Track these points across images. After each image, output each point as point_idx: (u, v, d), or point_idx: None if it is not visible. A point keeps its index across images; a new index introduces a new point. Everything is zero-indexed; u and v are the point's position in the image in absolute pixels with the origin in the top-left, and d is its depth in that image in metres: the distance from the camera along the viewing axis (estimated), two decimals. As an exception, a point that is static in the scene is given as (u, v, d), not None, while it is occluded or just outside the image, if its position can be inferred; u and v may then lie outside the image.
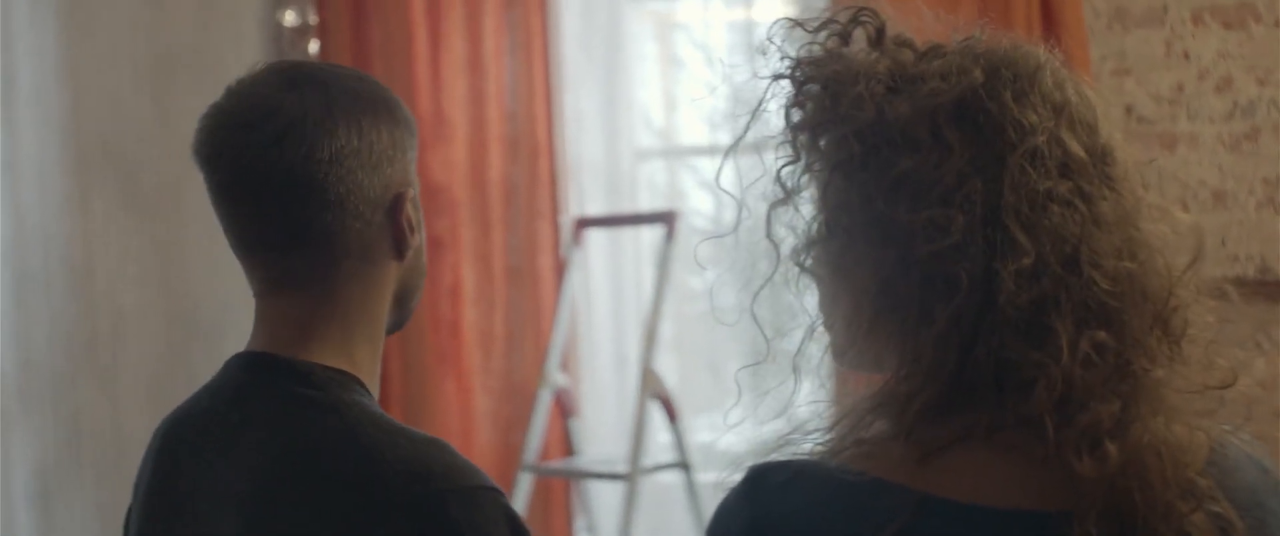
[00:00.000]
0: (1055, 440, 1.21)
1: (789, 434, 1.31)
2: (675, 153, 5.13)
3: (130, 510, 1.76)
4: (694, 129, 5.14)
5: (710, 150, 5.06)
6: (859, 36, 1.36)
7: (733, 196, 1.39)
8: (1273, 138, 4.39)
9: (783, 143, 1.35)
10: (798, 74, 1.35)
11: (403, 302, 1.72)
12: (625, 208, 4.91)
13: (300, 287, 1.65)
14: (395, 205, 1.65)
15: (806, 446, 1.29)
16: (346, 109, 1.62)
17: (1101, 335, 1.23)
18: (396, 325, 1.74)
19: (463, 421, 4.75)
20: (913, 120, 1.28)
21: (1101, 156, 1.29)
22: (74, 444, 3.73)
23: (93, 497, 3.77)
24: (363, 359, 1.67)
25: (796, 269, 1.34)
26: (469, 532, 1.52)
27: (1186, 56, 4.43)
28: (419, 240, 1.70)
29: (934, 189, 1.25)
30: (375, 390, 1.69)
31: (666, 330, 4.57)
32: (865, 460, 1.26)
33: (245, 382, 1.66)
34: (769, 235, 1.35)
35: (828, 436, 1.29)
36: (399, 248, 1.66)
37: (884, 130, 1.28)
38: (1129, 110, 4.46)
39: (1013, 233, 1.23)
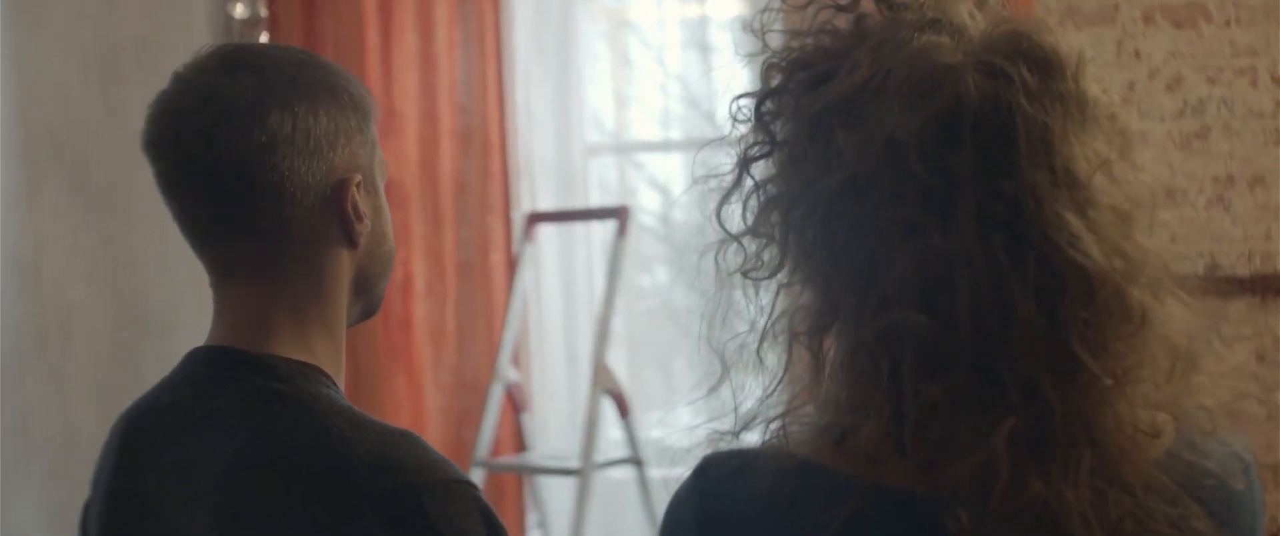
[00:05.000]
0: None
1: (738, 425, 1.30)
2: (626, 148, 5.12)
3: (88, 504, 1.74)
4: (645, 125, 5.15)
5: (661, 146, 5.07)
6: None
7: (700, 189, 1.36)
8: (1222, 136, 4.43)
9: (756, 136, 1.32)
10: (784, 60, 1.31)
11: (365, 290, 1.70)
12: (577, 203, 4.90)
13: (250, 276, 1.64)
14: (338, 191, 1.62)
15: (755, 436, 1.29)
16: (281, 95, 1.60)
17: (934, 389, 1.18)
18: (365, 314, 1.73)
19: (414, 416, 4.73)
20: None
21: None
22: (22, 441, 3.69)
23: (42, 494, 3.74)
24: (322, 349, 1.65)
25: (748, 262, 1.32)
26: (442, 526, 1.51)
27: (1137, 55, 4.46)
28: (377, 227, 1.68)
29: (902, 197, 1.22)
30: (340, 380, 1.67)
31: (617, 325, 4.57)
32: (815, 450, 1.25)
33: (208, 376, 1.64)
34: (722, 225, 1.33)
35: (777, 426, 1.29)
36: (348, 235, 1.64)
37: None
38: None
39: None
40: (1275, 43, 4.39)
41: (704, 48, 4.90)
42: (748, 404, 1.31)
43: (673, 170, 5.10)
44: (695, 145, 1.36)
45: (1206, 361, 1.26)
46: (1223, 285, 4.38)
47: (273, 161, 1.58)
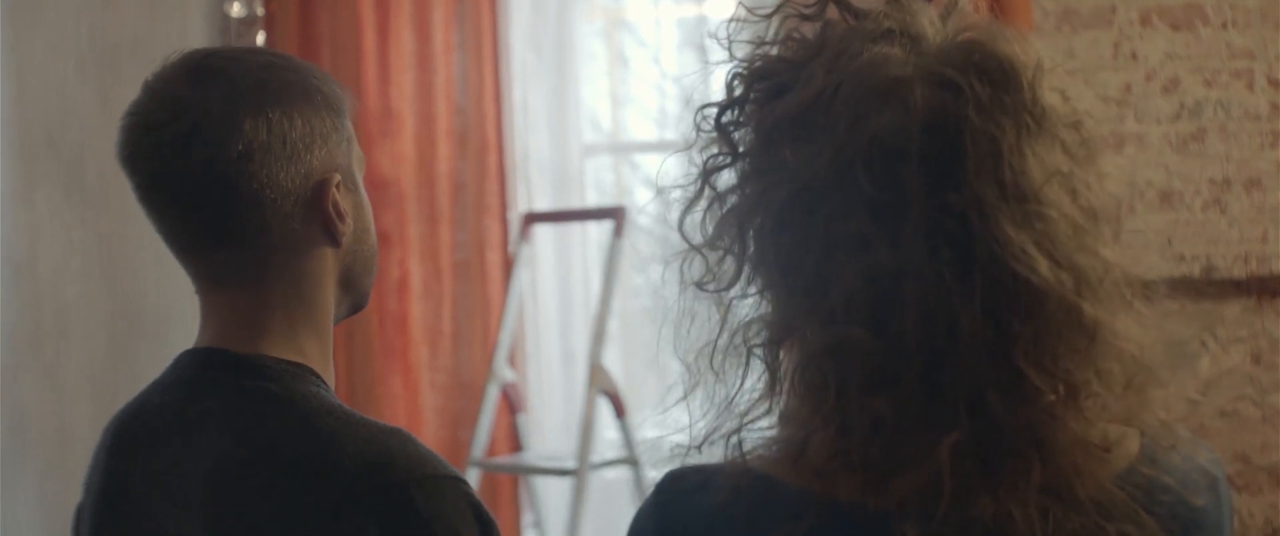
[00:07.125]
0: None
1: (699, 439, 1.29)
2: (622, 148, 5.12)
3: (80, 508, 1.73)
4: (641, 125, 5.14)
5: (657, 147, 5.07)
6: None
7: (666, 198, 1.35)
8: (1219, 138, 4.43)
9: (718, 146, 1.31)
10: (747, 71, 1.30)
11: (351, 287, 1.70)
12: (573, 203, 4.90)
13: (236, 283, 1.63)
14: (318, 193, 1.62)
15: (717, 451, 1.28)
16: (252, 102, 1.58)
17: (880, 403, 1.17)
18: (353, 308, 1.73)
19: (410, 416, 4.73)
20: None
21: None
22: (18, 439, 3.69)
23: (37, 493, 3.73)
24: (311, 349, 1.65)
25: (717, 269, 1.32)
26: (433, 522, 1.51)
27: (1134, 57, 4.47)
28: (359, 223, 1.67)
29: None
30: (330, 379, 1.67)
31: (613, 326, 4.56)
32: (772, 465, 1.25)
33: (198, 378, 1.64)
34: (685, 235, 1.31)
35: (735, 441, 1.27)
36: (331, 234, 1.64)
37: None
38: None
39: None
40: (1272, 45, 4.40)
41: (701, 48, 4.89)
42: (711, 417, 1.29)
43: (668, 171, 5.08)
44: (691, 146, 1.35)
45: (1168, 372, 1.24)
46: (1219, 287, 4.39)
47: (251, 170, 1.57)
